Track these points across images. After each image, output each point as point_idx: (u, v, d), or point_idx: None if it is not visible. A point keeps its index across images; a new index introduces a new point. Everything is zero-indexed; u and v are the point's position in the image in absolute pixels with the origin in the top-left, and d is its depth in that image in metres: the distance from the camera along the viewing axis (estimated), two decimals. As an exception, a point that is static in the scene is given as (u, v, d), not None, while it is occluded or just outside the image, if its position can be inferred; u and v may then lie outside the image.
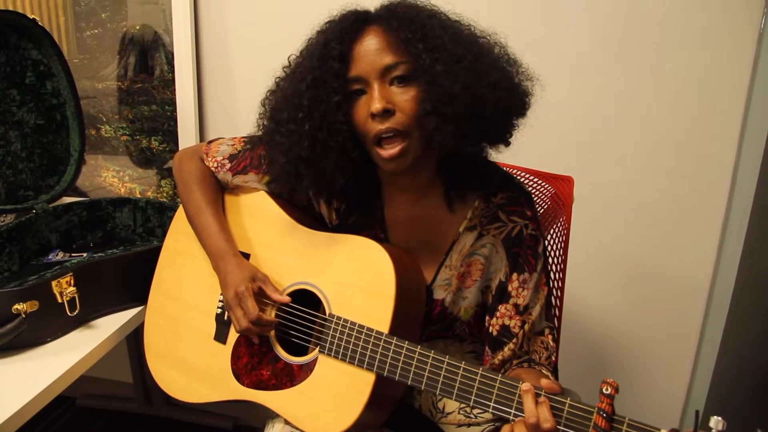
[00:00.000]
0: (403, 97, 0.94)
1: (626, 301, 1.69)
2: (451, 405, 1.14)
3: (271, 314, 1.11)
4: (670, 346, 1.69)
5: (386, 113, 0.94)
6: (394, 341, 0.96)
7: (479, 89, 0.91)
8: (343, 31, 0.96)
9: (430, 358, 0.93)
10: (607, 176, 1.61)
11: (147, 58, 1.78)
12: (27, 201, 1.58)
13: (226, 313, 1.16)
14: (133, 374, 2.11)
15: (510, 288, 1.05)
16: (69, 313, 1.23)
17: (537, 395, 0.84)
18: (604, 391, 0.80)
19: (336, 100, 0.96)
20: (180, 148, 1.80)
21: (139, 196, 1.90)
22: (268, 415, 1.13)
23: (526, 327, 1.04)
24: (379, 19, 0.97)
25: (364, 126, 0.97)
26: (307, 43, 1.02)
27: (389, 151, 0.95)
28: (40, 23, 1.48)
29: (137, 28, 1.77)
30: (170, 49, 1.75)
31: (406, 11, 0.95)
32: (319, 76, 0.96)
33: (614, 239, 1.65)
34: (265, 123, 1.06)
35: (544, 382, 0.84)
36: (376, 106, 0.93)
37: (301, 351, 1.10)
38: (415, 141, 0.96)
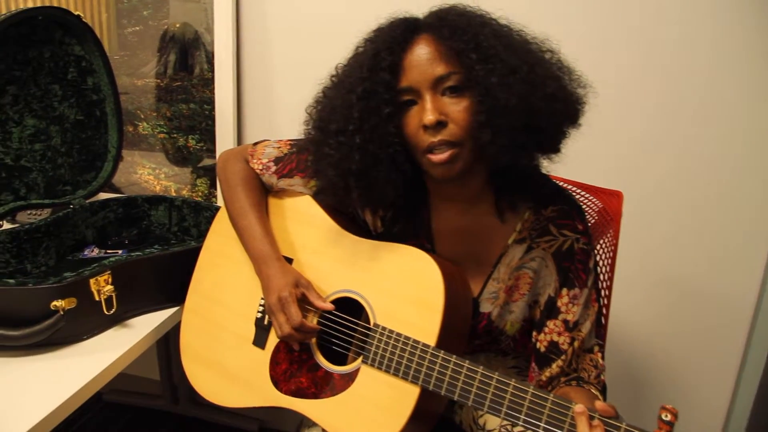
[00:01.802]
0: (456, 108, 0.92)
1: (668, 318, 1.65)
2: (492, 422, 1.11)
3: (313, 321, 1.09)
4: (712, 366, 1.65)
5: (439, 125, 0.91)
6: (441, 354, 0.93)
7: (535, 101, 0.89)
8: (394, 41, 0.94)
9: (479, 373, 0.90)
10: (657, 192, 1.56)
11: (187, 57, 1.78)
12: (65, 196, 1.58)
13: (266, 317, 1.15)
14: (160, 372, 2.11)
15: (559, 303, 1.02)
16: (106, 312, 1.22)
17: (591, 418, 0.80)
18: (663, 418, 0.77)
19: (387, 112, 0.94)
20: (217, 148, 1.80)
21: (174, 194, 1.90)
22: (304, 422, 1.11)
23: (576, 344, 1.01)
24: (429, 28, 0.94)
25: (416, 137, 0.94)
26: (355, 52, 1.00)
27: (439, 156, 0.92)
28: (84, 19, 1.48)
29: (177, 26, 1.77)
30: (210, 48, 1.74)
31: (457, 19, 0.93)
32: (370, 88, 0.93)
33: (659, 255, 1.61)
34: (311, 132, 1.04)
35: (598, 404, 0.81)
36: (429, 118, 0.91)
37: (339, 359, 1.08)
38: (466, 151, 0.93)
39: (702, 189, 1.54)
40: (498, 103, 0.88)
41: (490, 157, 0.93)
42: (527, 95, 0.88)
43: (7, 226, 1.55)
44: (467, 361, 0.92)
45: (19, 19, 1.37)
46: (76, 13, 1.47)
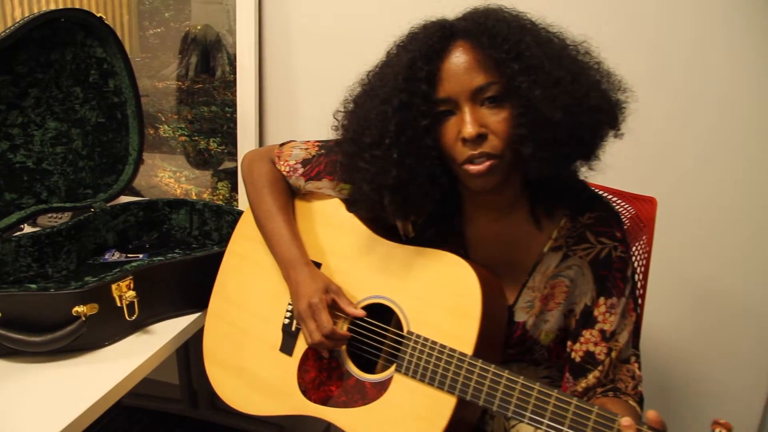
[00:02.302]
0: (496, 119, 0.88)
1: (701, 324, 1.61)
2: (525, 431, 1.07)
3: (343, 328, 1.06)
4: (745, 372, 1.60)
5: (479, 138, 0.88)
6: (479, 364, 0.90)
7: (580, 114, 0.85)
8: (430, 49, 0.90)
9: (519, 384, 0.87)
10: (692, 198, 1.52)
11: (209, 59, 1.76)
12: (86, 199, 1.56)
13: (294, 324, 1.12)
14: (179, 376, 2.10)
15: (596, 313, 0.99)
16: (127, 318, 1.20)
17: (639, 431, 0.77)
18: None
19: (424, 125, 0.90)
20: (239, 151, 1.78)
21: (195, 197, 1.88)
22: (330, 431, 1.08)
23: (613, 354, 0.98)
24: (467, 34, 0.90)
25: (453, 149, 0.91)
26: (387, 59, 0.97)
27: (478, 166, 0.89)
28: (106, 21, 1.47)
29: (199, 27, 1.75)
30: (232, 50, 1.72)
31: (496, 25, 0.88)
32: (406, 99, 0.90)
33: (695, 263, 1.57)
34: (342, 144, 1.01)
35: (650, 414, 0.77)
36: (469, 131, 0.87)
37: (368, 367, 1.05)
38: (506, 163, 0.90)
39: (732, 191, 1.50)
40: (541, 116, 0.85)
41: (532, 172, 0.91)
42: (571, 108, 0.85)
43: (28, 229, 1.55)
44: (506, 371, 0.89)
45: (41, 22, 1.36)
46: (98, 15, 1.45)
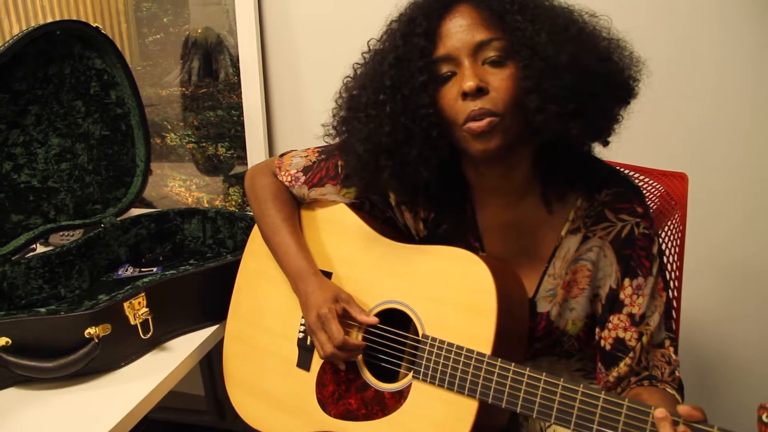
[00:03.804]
0: (499, 77, 0.84)
1: (741, 308, 1.54)
2: (560, 432, 1.02)
3: (357, 337, 1.02)
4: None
5: (480, 92, 0.83)
6: (498, 363, 0.85)
7: (587, 60, 0.81)
8: (430, 8, 0.88)
9: (542, 381, 0.82)
10: (725, 172, 1.45)
11: (211, 62, 1.72)
12: (95, 215, 1.53)
13: (309, 337, 1.07)
14: (205, 387, 2.07)
15: (622, 296, 0.93)
16: (142, 336, 1.17)
17: (675, 423, 0.71)
18: (765, 420, 0.68)
19: (421, 81, 0.86)
20: (248, 154, 1.74)
21: (206, 205, 1.85)
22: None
23: (644, 339, 0.92)
24: None
25: (453, 109, 0.86)
26: (388, 25, 0.93)
27: (479, 123, 0.84)
28: (103, 31, 1.43)
29: (199, 31, 1.71)
30: (234, 52, 1.68)
31: None
32: (403, 55, 0.87)
33: (729, 241, 1.50)
34: (341, 114, 0.97)
35: (682, 408, 0.72)
36: (469, 83, 0.83)
37: (390, 376, 1.00)
38: (507, 124, 0.85)
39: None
40: (547, 63, 0.81)
41: (538, 128, 0.85)
42: (578, 54, 0.81)
43: (41, 249, 1.52)
44: (528, 369, 0.84)
45: (36, 36, 1.32)
46: (95, 25, 1.41)
